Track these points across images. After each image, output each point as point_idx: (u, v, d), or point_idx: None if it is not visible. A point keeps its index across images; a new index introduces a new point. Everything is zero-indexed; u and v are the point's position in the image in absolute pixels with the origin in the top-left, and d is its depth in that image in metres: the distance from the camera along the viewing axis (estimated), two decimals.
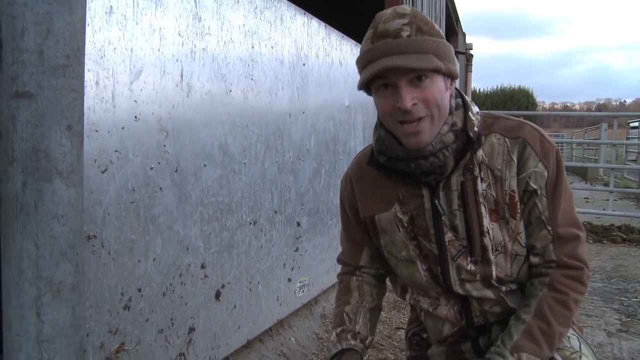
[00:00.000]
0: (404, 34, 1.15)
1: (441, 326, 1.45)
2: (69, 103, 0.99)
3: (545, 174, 1.27)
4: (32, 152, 0.97)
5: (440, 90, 1.20)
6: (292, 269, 2.69)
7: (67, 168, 0.99)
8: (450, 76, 1.23)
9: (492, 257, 1.31)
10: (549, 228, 1.29)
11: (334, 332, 1.48)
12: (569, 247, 1.29)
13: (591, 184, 11.88)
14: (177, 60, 1.79)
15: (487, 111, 1.40)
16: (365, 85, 1.23)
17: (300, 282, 2.77)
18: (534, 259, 1.32)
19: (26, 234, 0.97)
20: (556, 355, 1.26)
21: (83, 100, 1.04)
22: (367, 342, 1.48)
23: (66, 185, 0.99)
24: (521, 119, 1.35)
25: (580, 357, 1.29)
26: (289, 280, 2.66)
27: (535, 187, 1.27)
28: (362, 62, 1.21)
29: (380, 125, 1.34)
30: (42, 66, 0.97)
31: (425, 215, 1.34)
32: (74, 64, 0.99)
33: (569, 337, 1.34)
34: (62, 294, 1.01)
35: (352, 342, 1.44)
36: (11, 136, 0.96)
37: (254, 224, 2.31)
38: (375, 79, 1.20)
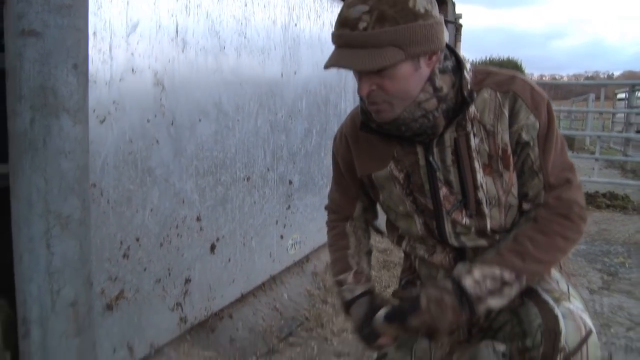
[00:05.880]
0: (361, 25, 1.11)
1: (435, 273, 1.48)
2: (74, 42, 1.01)
3: (537, 125, 1.28)
4: (40, 89, 0.99)
5: (404, 76, 1.18)
6: (284, 226, 2.74)
7: (74, 106, 1.02)
8: (425, 55, 1.19)
9: (486, 210, 1.34)
10: (541, 177, 1.30)
11: (348, 275, 1.48)
12: (557, 191, 1.31)
13: (577, 154, 11.98)
14: (172, 15, 1.80)
15: (478, 67, 1.40)
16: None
17: (292, 240, 2.83)
18: (526, 205, 1.34)
19: (35, 168, 1.01)
20: (545, 295, 1.29)
21: (87, 40, 1.07)
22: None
23: (73, 122, 1.02)
24: (512, 72, 1.35)
25: (569, 298, 1.32)
26: (281, 237, 2.72)
27: (527, 139, 1.29)
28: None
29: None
30: (48, 5, 0.99)
31: (420, 172, 1.36)
32: (78, 4, 1.01)
33: (557, 280, 1.37)
34: (70, 228, 1.05)
35: (368, 285, 1.47)
36: (18, 74, 0.99)
37: (247, 180, 2.35)
38: None
